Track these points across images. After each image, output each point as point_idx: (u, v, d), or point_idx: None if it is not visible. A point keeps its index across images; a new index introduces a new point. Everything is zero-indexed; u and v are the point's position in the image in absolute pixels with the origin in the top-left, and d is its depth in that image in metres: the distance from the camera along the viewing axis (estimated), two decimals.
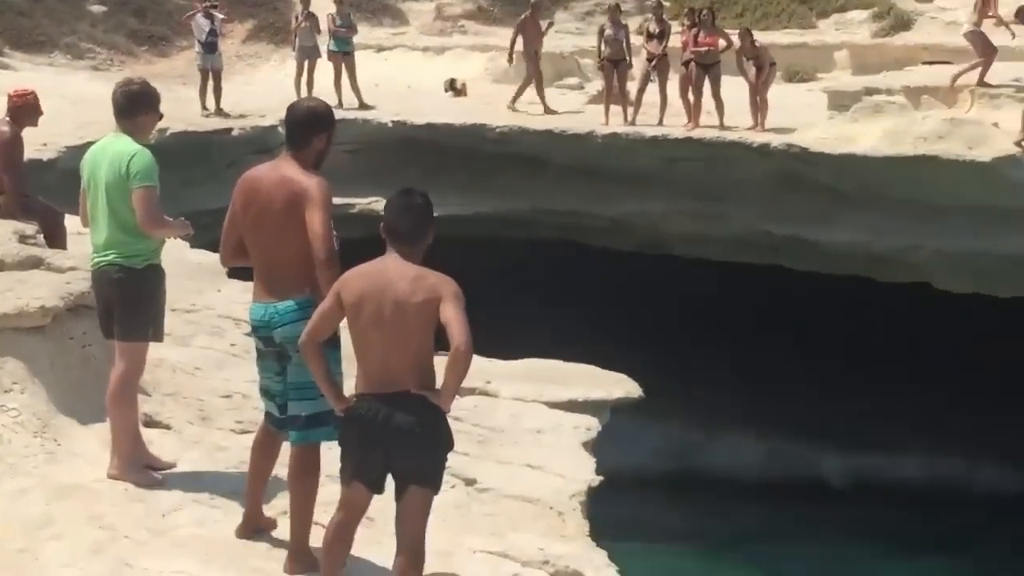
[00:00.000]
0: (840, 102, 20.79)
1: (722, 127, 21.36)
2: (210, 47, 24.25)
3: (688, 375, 23.27)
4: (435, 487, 6.61)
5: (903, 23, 27.37)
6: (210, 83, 24.05)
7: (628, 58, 22.80)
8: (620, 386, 11.64)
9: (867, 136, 20.01)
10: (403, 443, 6.44)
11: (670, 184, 21.93)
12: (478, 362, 11.54)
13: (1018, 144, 18.71)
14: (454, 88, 26.05)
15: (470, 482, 9.08)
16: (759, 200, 21.34)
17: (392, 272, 6.48)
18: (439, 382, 6.46)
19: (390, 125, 22.89)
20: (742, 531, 21.44)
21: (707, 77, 21.53)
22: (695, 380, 23.48)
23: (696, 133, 21.37)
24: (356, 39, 25.07)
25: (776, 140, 20.61)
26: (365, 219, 20.47)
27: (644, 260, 22.99)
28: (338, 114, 22.83)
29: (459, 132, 22.50)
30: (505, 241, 23.06)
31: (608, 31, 22.72)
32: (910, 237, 20.25)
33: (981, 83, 20.21)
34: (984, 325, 22.73)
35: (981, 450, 22.80)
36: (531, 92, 24.80)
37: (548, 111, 23.35)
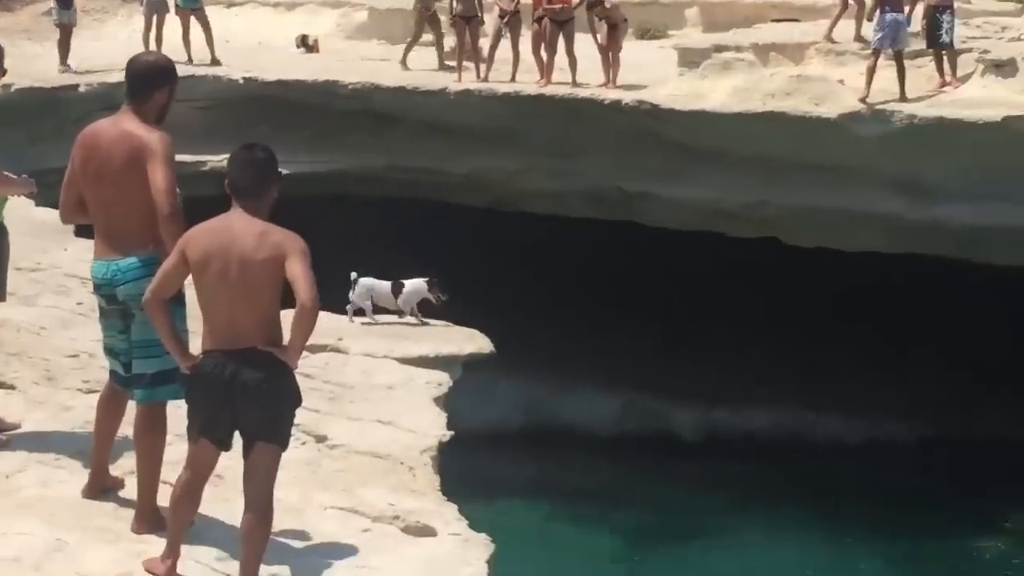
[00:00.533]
0: (690, 59, 20.97)
1: (574, 84, 21.43)
2: (66, 2, 23.90)
3: (542, 331, 23.41)
4: (283, 444, 6.61)
5: None
6: None
7: (480, 14, 22.76)
8: (471, 341, 11.73)
9: (717, 93, 20.22)
10: (250, 399, 6.42)
11: (523, 141, 21.98)
12: (329, 319, 11.61)
13: (863, 100, 19.05)
14: (306, 44, 25.79)
15: (320, 439, 9.08)
16: (611, 156, 21.49)
17: (237, 229, 6.45)
18: (287, 338, 6.45)
19: (241, 82, 22.64)
20: (596, 485, 21.67)
21: (561, 34, 21.57)
22: (549, 335, 23.63)
23: (548, 90, 21.41)
24: None
25: (627, 97, 20.73)
26: (217, 177, 20.16)
27: (498, 216, 23.05)
28: (188, 70, 22.57)
29: (311, 89, 22.32)
30: (358, 198, 22.95)
31: None
32: (758, 192, 20.54)
33: (829, 38, 20.55)
34: (831, 278, 23.17)
35: (825, 401, 23.27)
36: (382, 48, 24.80)
37: (404, 67, 23.22)
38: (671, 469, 22.15)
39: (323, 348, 10.82)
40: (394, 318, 13.31)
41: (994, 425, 22.46)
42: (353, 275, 13.62)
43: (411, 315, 13.24)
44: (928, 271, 21.61)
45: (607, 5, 21.44)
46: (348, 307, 13.18)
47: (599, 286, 24.58)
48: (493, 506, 18.63)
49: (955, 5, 19.64)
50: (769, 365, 23.70)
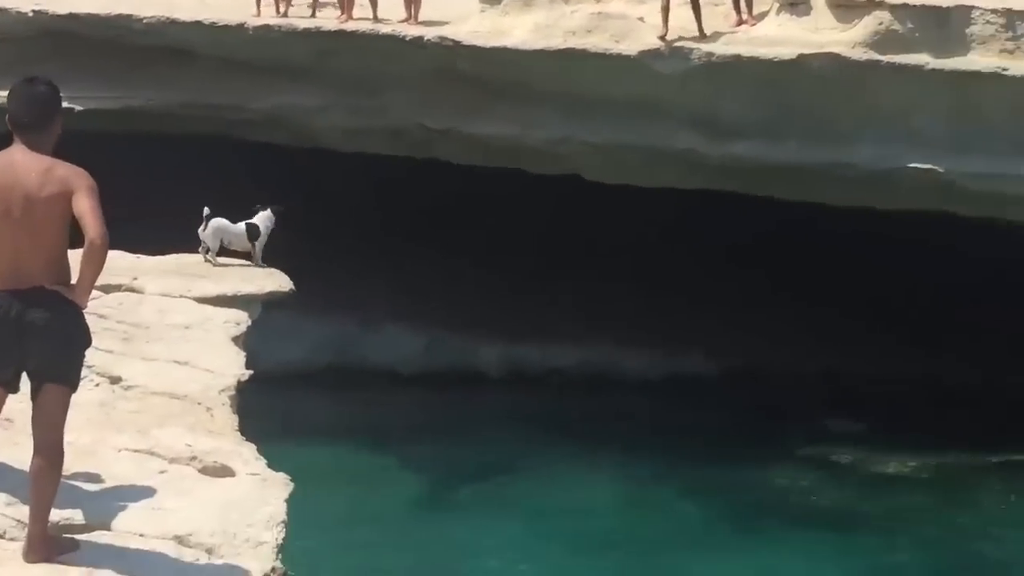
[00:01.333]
0: None
1: (375, 20, 21.22)
2: None
3: (345, 269, 23.28)
4: (72, 385, 6.45)
5: None
6: None
7: None
8: (271, 280, 11.60)
9: (518, 29, 20.20)
10: (37, 340, 6.25)
11: (324, 77, 21.74)
12: (125, 258, 11.38)
13: (661, 38, 19.21)
14: None
15: (115, 380, 8.90)
16: (413, 93, 21.37)
17: (20, 166, 6.25)
18: (76, 277, 6.28)
19: (30, 15, 21.89)
20: (400, 422, 21.71)
21: None
22: (353, 274, 23.51)
23: (349, 26, 21.15)
24: None
25: (429, 33, 20.60)
26: (3, 113, 19.68)
27: (300, 154, 22.80)
28: None
29: (103, 23, 21.68)
30: (158, 136, 22.49)
31: None
32: (560, 129, 20.60)
33: None
34: (634, 215, 23.41)
35: (631, 337, 23.59)
36: None
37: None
38: (477, 405, 22.32)
39: (117, 288, 10.60)
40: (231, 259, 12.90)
41: (794, 358, 23.05)
42: (206, 211, 13.15)
43: (258, 258, 12.80)
44: (730, 206, 21.94)
45: None
46: (201, 248, 12.75)
47: (403, 223, 24.50)
48: (296, 446, 18.52)
49: None
50: (574, 300, 23.93)
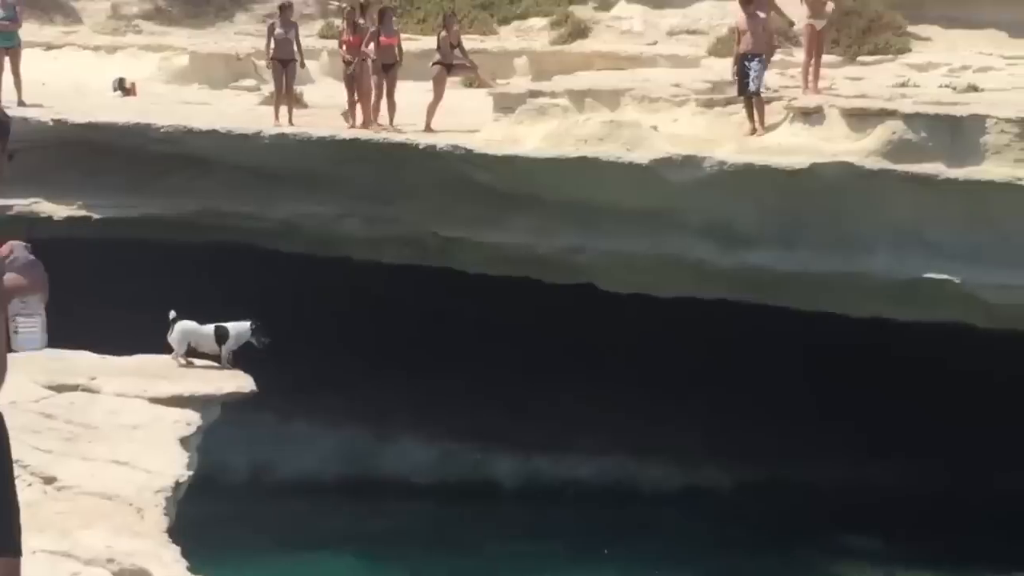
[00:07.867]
0: (505, 104, 20.89)
1: (392, 128, 21.29)
2: None
3: (359, 378, 23.03)
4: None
5: (580, 31, 27.83)
6: None
7: (299, 58, 22.50)
8: (232, 381, 11.38)
9: (531, 138, 20.14)
10: None
11: (340, 185, 21.71)
12: (87, 357, 11.21)
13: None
14: (123, 88, 25.32)
15: (49, 480, 8.69)
16: (427, 202, 21.27)
17: None
18: None
19: (50, 124, 22.01)
20: (414, 533, 21.39)
21: (386, 78, 21.49)
22: (367, 383, 23.25)
23: (363, 135, 21.20)
24: (25, 36, 24.15)
25: (442, 142, 20.57)
26: (25, 221, 19.85)
27: (315, 263, 22.68)
28: None
29: (122, 131, 21.77)
30: (172, 243, 22.46)
31: (278, 30, 22.38)
32: (573, 238, 20.42)
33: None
34: (647, 324, 23.09)
35: (647, 448, 23.18)
36: (203, 92, 24.48)
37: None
38: (491, 517, 22.00)
39: (74, 388, 10.42)
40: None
41: (810, 470, 22.58)
42: (172, 315, 12.95)
43: (226, 361, 12.55)
44: (746, 315, 21.58)
45: None
46: (173, 354, 12.53)
47: (416, 332, 24.20)
48: (308, 555, 18.45)
49: (773, 55, 19.96)
50: (591, 411, 23.57)
